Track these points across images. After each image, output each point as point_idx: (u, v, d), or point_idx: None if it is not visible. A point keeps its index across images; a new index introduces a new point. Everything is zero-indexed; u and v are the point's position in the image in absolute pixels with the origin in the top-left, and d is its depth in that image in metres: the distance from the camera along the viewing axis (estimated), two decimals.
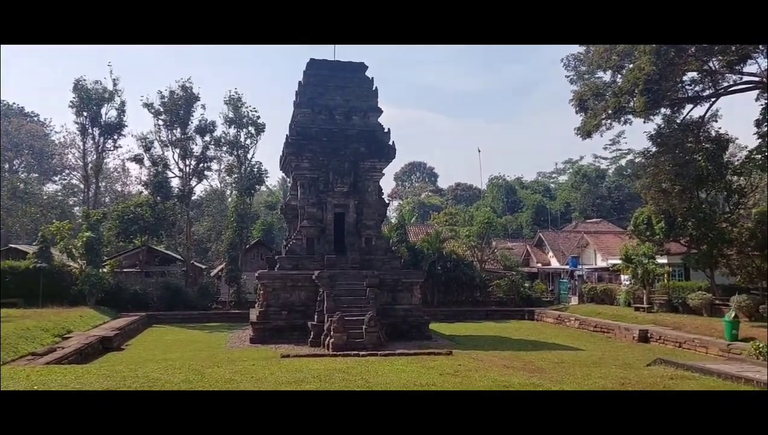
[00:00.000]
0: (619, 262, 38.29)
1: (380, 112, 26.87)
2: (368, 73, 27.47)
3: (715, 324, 22.79)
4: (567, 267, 43.16)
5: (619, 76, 26.18)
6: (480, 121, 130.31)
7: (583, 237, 45.77)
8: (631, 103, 24.46)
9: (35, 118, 66.66)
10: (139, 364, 15.44)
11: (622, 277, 38.24)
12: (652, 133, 25.74)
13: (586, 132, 26.07)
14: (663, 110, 26.17)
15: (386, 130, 26.53)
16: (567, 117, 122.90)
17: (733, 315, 21.27)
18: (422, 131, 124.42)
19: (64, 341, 20.97)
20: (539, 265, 48.74)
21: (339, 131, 26.10)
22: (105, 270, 33.02)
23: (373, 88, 27.06)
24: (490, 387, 10.60)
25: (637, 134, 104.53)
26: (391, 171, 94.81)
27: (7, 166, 55.28)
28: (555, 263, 48.23)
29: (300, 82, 27.05)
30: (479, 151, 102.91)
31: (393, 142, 26.23)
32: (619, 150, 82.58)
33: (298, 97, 27.03)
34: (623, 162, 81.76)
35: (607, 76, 26.83)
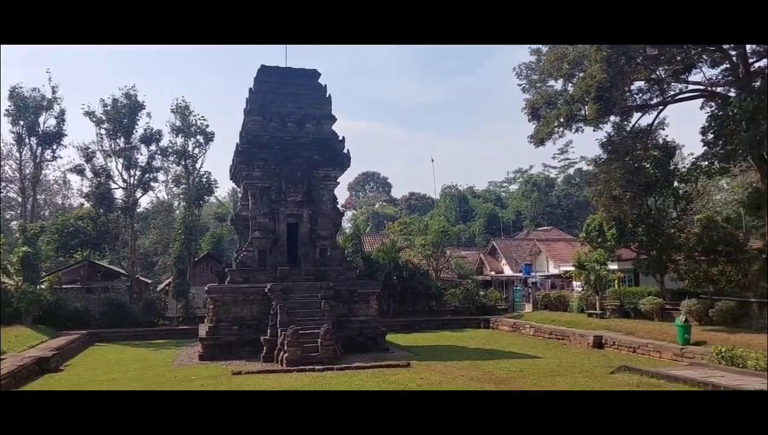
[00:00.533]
0: (571, 268, 38.85)
1: (334, 119, 26.35)
2: (321, 81, 26.94)
3: (667, 328, 23.10)
4: (520, 274, 43.43)
5: (570, 84, 26.49)
6: (432, 132, 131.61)
7: (535, 244, 46.32)
8: (583, 111, 24.74)
9: None
10: (78, 386, 14.35)
11: (575, 283, 38.71)
12: (603, 141, 26.09)
13: (539, 139, 26.22)
14: (613, 118, 26.57)
15: (340, 138, 26.02)
16: (517, 127, 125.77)
17: (683, 319, 21.57)
18: (374, 143, 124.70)
19: None
20: (492, 273, 49.01)
21: (291, 139, 25.43)
22: (43, 286, 31.20)
23: (327, 96, 26.53)
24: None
25: (585, 143, 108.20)
26: (344, 181, 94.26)
27: None
28: (508, 271, 48.58)
29: (251, 89, 26.28)
30: (432, 160, 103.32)
31: (348, 150, 25.75)
32: (568, 159, 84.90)
33: (248, 104, 26.24)
34: (571, 171, 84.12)
35: (558, 85, 27.13)
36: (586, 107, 23.20)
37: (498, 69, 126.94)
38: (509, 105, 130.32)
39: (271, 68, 26.31)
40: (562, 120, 25.13)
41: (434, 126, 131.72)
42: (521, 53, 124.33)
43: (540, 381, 12.30)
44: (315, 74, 26.82)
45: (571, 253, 42.28)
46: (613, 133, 26.88)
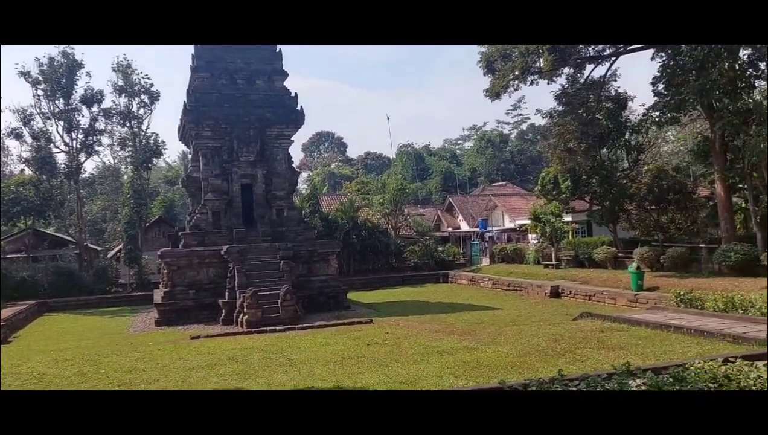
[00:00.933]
0: (527, 222, 39.49)
1: (286, 75, 25.48)
2: None
3: (621, 276, 23.72)
4: (477, 229, 43.95)
5: None
6: (387, 90, 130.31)
7: (491, 199, 46.76)
8: (538, 64, 24.61)
9: None
10: (26, 357, 13.72)
11: (530, 236, 39.36)
12: (558, 93, 26.11)
13: (494, 93, 26.05)
14: (567, 70, 26.58)
15: (293, 95, 25.22)
16: (470, 83, 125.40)
17: (636, 266, 22.16)
18: (329, 103, 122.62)
19: None
20: (450, 229, 49.40)
21: (242, 96, 24.50)
22: None
23: (277, 51, 25.57)
24: (422, 353, 10.12)
25: (538, 99, 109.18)
26: (299, 142, 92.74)
27: None
28: (465, 227, 49.07)
29: (195, 45, 25.04)
30: (388, 118, 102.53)
31: (301, 106, 25.02)
32: (521, 115, 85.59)
33: (194, 60, 25.05)
34: (525, 126, 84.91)
35: None
36: (541, 59, 23.02)
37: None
38: (461, 61, 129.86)
39: None
40: (517, 73, 24.99)
41: (389, 84, 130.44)
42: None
43: (502, 330, 12.39)
44: None
45: (527, 207, 42.93)
46: (567, 86, 26.94)
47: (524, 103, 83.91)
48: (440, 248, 38.32)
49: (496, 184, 61.30)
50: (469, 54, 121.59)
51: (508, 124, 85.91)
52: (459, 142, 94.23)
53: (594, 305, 21.47)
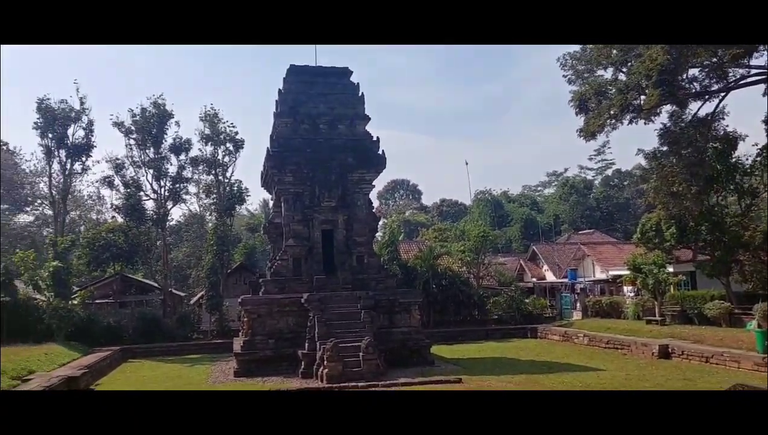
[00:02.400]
0: (622, 272, 36.69)
1: (368, 119, 24.97)
2: (353, 79, 25.61)
3: (739, 335, 21.04)
4: (565, 280, 41.39)
5: (622, 72, 24.66)
6: (460, 139, 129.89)
7: (579, 248, 44.07)
8: (638, 100, 22.84)
9: (3, 147, 63.62)
10: None
11: (625, 288, 36.52)
12: (661, 131, 24.07)
13: (589, 133, 24.39)
14: (668, 108, 24.63)
15: (375, 139, 24.61)
16: (546, 132, 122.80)
17: (756, 324, 19.55)
18: (403, 151, 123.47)
19: (23, 384, 18.47)
20: (534, 279, 46.97)
21: (324, 141, 24.12)
22: (75, 302, 30.45)
23: (359, 94, 25.17)
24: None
25: (623, 144, 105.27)
26: (375, 189, 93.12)
27: None
28: (551, 277, 46.51)
29: (280, 90, 25.08)
30: (467, 163, 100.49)
31: (383, 151, 24.32)
32: (605, 160, 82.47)
33: (278, 106, 25.03)
34: (609, 172, 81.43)
35: (608, 74, 25.30)
36: (643, 96, 21.25)
37: (519, 77, 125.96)
38: (533, 111, 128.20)
39: (301, 67, 25.07)
40: (614, 111, 23.26)
41: (462, 133, 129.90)
42: (543, 59, 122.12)
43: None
44: (346, 72, 25.51)
45: (620, 257, 40.14)
46: (669, 124, 24.89)
47: (608, 147, 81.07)
48: (526, 300, 36.06)
49: (583, 232, 58.30)
50: (544, 102, 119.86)
51: (591, 169, 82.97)
52: (538, 188, 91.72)
53: (713, 368, 18.92)
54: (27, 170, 57.93)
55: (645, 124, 25.40)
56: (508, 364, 21.86)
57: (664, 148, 23.92)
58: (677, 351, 21.90)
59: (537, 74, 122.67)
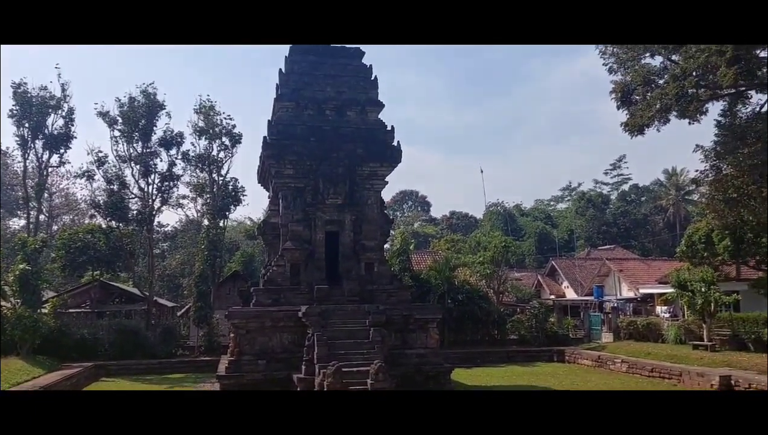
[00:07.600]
0: (655, 290, 33.23)
1: (381, 106, 21.74)
2: (365, 61, 22.42)
3: None
4: (590, 298, 37.89)
5: (671, 61, 21.38)
6: (470, 155, 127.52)
7: (604, 264, 40.62)
8: (694, 90, 19.50)
9: None
10: None
11: (658, 308, 33.07)
12: (721, 121, 20.63)
13: (636, 127, 21.03)
14: (713, 105, 21.37)
15: (389, 128, 21.34)
16: (557, 150, 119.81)
17: None
18: (411, 166, 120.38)
19: None
20: (553, 296, 43.54)
21: (330, 129, 20.88)
22: (45, 310, 27.02)
23: (372, 78, 21.99)
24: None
25: (638, 158, 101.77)
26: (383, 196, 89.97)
27: None
28: (571, 294, 43.11)
29: (281, 71, 21.90)
30: (482, 171, 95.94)
31: (398, 142, 21.05)
32: (621, 175, 79.49)
33: (278, 89, 21.80)
34: (626, 187, 78.34)
35: (655, 62, 22.03)
36: (719, 72, 17.69)
37: (530, 93, 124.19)
38: (544, 128, 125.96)
39: (306, 47, 21.83)
40: (667, 100, 19.89)
41: (471, 150, 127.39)
42: (553, 77, 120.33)
43: None
44: (358, 53, 22.32)
45: (649, 274, 36.73)
46: (723, 120, 21.49)
47: (625, 162, 78.32)
48: (551, 319, 32.47)
49: (603, 247, 54.91)
50: (551, 121, 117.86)
51: (606, 184, 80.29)
52: (552, 202, 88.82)
53: None
54: (19, 171, 54.88)
55: (690, 124, 22.08)
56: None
57: (721, 147, 20.43)
58: (742, 383, 18.46)
59: (544, 94, 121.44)
